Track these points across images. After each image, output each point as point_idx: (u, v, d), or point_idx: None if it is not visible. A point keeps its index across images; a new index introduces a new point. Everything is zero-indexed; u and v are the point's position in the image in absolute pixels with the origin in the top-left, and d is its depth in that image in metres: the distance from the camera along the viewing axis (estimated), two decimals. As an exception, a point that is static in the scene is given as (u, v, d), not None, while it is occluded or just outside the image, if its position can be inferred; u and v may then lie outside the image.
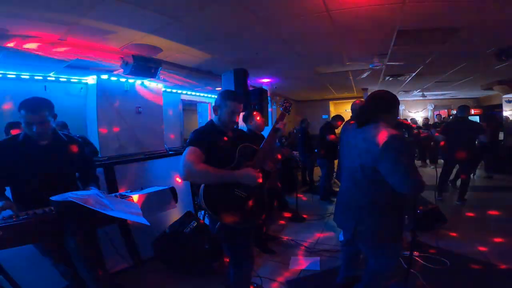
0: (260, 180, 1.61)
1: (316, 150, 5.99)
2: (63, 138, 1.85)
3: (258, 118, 3.09)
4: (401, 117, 11.27)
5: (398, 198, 1.52)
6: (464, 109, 4.54)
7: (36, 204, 1.49)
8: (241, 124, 3.20)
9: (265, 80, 6.32)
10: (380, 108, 1.60)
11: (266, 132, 3.16)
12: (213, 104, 1.78)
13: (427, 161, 8.42)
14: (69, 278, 1.80)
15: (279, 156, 2.36)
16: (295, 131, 4.17)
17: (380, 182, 1.48)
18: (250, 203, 1.65)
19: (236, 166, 1.63)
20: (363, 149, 1.52)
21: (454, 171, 4.92)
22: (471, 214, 3.94)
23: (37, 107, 1.65)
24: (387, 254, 1.66)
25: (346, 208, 1.70)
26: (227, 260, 1.84)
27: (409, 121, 10.16)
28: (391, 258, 1.69)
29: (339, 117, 5.12)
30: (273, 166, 1.81)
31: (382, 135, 1.44)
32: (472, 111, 10.46)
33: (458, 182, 4.84)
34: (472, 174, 5.18)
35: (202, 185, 1.57)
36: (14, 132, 3.10)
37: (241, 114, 4.92)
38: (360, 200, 1.59)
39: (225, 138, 1.72)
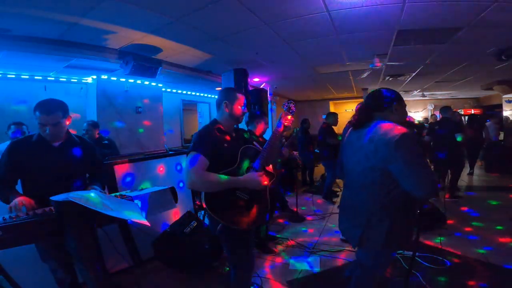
0: (265, 183, 1.61)
1: (316, 151, 5.99)
2: (75, 140, 1.87)
3: (262, 123, 3.06)
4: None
5: (409, 201, 1.41)
6: (446, 110, 4.69)
7: (46, 204, 1.50)
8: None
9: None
10: (374, 106, 1.53)
11: (266, 135, 3.17)
12: (223, 102, 1.73)
13: (427, 161, 8.43)
14: (66, 285, 1.79)
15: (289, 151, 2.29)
16: (294, 131, 4.15)
17: (391, 185, 1.38)
18: (252, 205, 1.65)
19: (238, 168, 1.63)
20: (371, 150, 1.39)
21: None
22: (471, 214, 3.94)
23: (51, 109, 1.67)
24: (385, 258, 1.60)
25: (353, 214, 1.58)
26: (227, 260, 1.84)
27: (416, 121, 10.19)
28: (386, 260, 1.65)
29: (329, 116, 5.17)
30: (276, 169, 1.81)
31: (391, 134, 1.33)
32: (472, 111, 10.49)
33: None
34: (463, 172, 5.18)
35: None
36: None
37: (245, 115, 4.94)
38: (370, 205, 1.45)
39: (229, 138, 1.71)
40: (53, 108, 1.68)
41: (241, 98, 1.75)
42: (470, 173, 6.68)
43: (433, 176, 1.29)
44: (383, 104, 1.51)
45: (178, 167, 3.31)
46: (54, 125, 1.68)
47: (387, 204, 1.41)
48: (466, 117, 8.53)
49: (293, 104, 1.84)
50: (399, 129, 1.33)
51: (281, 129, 1.77)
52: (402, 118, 1.54)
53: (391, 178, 1.35)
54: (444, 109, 4.71)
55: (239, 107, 1.73)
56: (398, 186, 1.35)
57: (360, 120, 1.56)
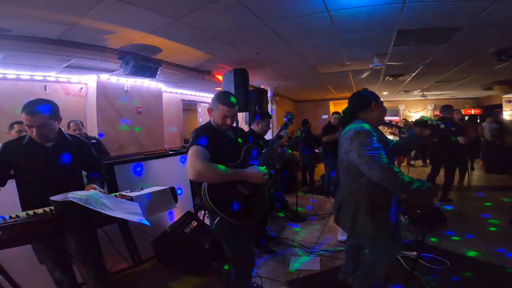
0: (266, 177, 1.65)
1: (316, 151, 5.99)
2: (69, 139, 1.83)
3: (260, 123, 3.06)
4: (401, 117, 11.27)
5: (383, 194, 1.58)
6: (446, 109, 4.49)
7: (43, 205, 1.49)
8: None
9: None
10: (356, 107, 1.73)
11: (268, 135, 3.17)
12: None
13: (428, 161, 8.44)
14: (65, 286, 1.77)
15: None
16: (298, 133, 4.16)
17: (362, 179, 1.58)
18: (252, 200, 1.66)
19: (241, 164, 1.66)
20: (346, 148, 1.63)
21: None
22: (471, 214, 3.94)
23: (37, 109, 1.60)
24: (381, 248, 1.70)
25: (341, 204, 1.76)
26: (227, 259, 1.84)
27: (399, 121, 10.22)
28: (384, 253, 1.72)
29: (333, 114, 5.23)
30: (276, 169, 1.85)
31: (352, 131, 1.58)
32: (472, 111, 10.48)
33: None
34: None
35: None
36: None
37: (245, 114, 4.94)
38: (350, 196, 1.68)
39: (226, 137, 1.74)
40: (38, 109, 1.60)
41: (222, 109, 1.68)
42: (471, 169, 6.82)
43: (382, 164, 1.45)
44: (364, 104, 1.71)
45: (178, 169, 3.30)
46: (40, 126, 1.61)
47: (361, 196, 1.62)
48: (467, 117, 8.67)
49: (291, 115, 2.06)
50: (358, 127, 1.59)
51: (276, 136, 1.92)
52: (382, 114, 1.74)
53: (353, 167, 1.60)
54: (445, 108, 4.51)
55: (219, 118, 1.70)
56: (361, 175, 1.57)
57: (345, 119, 1.77)
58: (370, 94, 1.75)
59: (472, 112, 10.46)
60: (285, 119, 2.01)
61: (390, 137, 5.18)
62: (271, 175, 1.76)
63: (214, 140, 1.64)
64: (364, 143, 1.51)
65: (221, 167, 1.54)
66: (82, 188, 1.78)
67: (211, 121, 1.78)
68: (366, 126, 1.60)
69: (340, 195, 1.73)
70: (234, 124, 1.86)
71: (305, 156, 5.91)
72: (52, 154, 1.72)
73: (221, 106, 1.69)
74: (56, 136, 1.75)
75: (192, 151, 1.56)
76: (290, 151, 3.31)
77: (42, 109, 1.63)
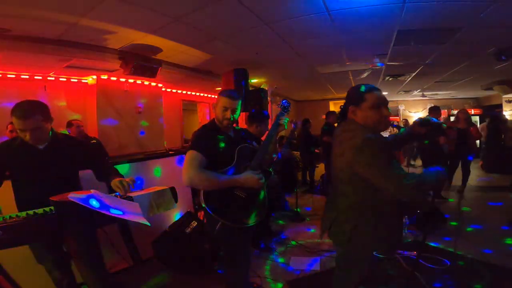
0: (261, 182, 1.62)
1: (316, 151, 5.99)
2: (62, 139, 1.80)
3: (260, 125, 3.00)
4: (401, 117, 11.27)
5: (389, 206, 1.37)
6: (433, 110, 4.58)
7: (39, 207, 1.47)
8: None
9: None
10: (347, 104, 1.51)
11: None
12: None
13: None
14: (64, 286, 1.76)
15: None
16: (293, 128, 4.09)
17: (367, 191, 1.35)
18: (250, 203, 1.65)
19: (235, 167, 1.64)
20: (349, 159, 1.35)
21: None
22: (471, 214, 3.94)
23: (28, 113, 1.53)
24: (352, 259, 1.50)
25: (328, 207, 1.63)
26: (224, 260, 1.83)
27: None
28: (359, 263, 1.50)
29: (327, 115, 5.24)
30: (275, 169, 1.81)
31: (354, 139, 1.33)
32: (472, 111, 10.48)
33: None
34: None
35: None
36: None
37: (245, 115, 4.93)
38: (339, 202, 1.47)
39: (226, 138, 1.71)
40: (30, 112, 1.54)
41: (222, 101, 1.68)
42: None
43: (397, 176, 1.25)
44: (354, 99, 1.48)
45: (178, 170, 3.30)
46: (34, 129, 1.55)
47: (353, 204, 1.40)
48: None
49: (287, 103, 1.86)
50: (362, 133, 1.32)
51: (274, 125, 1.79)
52: (368, 119, 1.40)
53: (359, 179, 1.33)
54: (433, 109, 4.61)
55: (219, 110, 1.69)
56: (366, 187, 1.33)
57: (339, 118, 1.60)
58: (354, 91, 1.53)
59: (472, 112, 10.46)
60: (280, 107, 1.83)
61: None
62: (268, 173, 1.75)
63: (214, 141, 1.64)
64: (377, 154, 1.29)
65: (215, 174, 1.53)
66: (78, 188, 1.77)
67: (215, 118, 1.77)
68: (368, 131, 1.34)
69: (335, 208, 1.50)
70: (235, 125, 1.86)
71: (305, 156, 5.91)
72: (45, 156, 1.68)
73: (222, 97, 1.71)
74: (49, 138, 1.70)
75: (188, 156, 1.56)
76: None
77: (35, 111, 1.57)
